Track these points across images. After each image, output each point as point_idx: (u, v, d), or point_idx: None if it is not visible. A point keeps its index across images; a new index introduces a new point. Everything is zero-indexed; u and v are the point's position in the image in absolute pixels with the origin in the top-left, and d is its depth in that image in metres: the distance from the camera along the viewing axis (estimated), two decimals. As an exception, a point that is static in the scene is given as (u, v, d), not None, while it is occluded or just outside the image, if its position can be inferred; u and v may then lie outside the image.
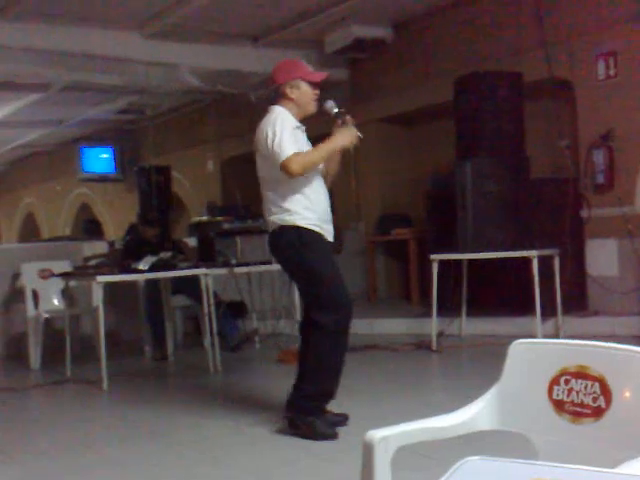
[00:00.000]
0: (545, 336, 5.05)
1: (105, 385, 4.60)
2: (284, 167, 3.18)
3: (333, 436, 3.25)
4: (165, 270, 5.11)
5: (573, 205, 5.85)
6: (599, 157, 5.71)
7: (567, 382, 1.57)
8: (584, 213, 5.87)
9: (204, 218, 6.35)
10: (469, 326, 5.81)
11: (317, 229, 3.31)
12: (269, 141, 3.22)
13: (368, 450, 1.53)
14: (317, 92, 3.40)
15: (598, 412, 1.50)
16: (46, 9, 6.36)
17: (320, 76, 3.41)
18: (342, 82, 8.34)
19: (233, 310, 6.09)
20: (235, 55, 7.66)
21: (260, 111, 10.78)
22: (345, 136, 3.30)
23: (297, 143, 3.26)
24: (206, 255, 5.63)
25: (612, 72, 5.72)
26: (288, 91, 3.35)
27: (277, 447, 3.25)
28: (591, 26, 5.82)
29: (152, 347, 5.90)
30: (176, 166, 10.21)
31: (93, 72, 7.67)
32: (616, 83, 5.70)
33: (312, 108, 3.40)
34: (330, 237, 3.39)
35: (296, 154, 3.18)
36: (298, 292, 3.46)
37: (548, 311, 5.26)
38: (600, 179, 5.73)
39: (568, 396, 1.57)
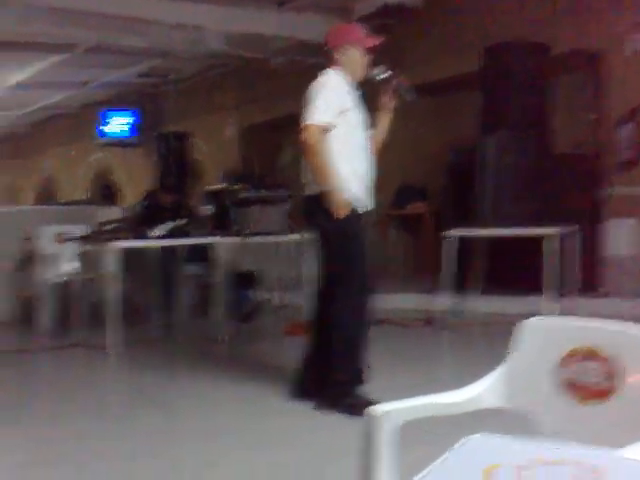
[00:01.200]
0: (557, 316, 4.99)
1: (114, 350, 4.62)
2: (303, 129, 3.14)
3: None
4: (180, 237, 5.10)
5: (595, 182, 5.72)
6: (626, 132, 5.55)
7: (576, 362, 1.55)
8: (608, 190, 5.72)
9: (221, 186, 6.32)
10: (481, 303, 5.75)
11: (354, 201, 3.24)
12: (311, 98, 3.18)
13: (372, 424, 1.51)
14: (369, 58, 3.35)
15: (606, 393, 1.48)
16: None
17: (373, 41, 3.35)
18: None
19: (243, 280, 6.08)
20: (259, 19, 7.53)
21: (282, 78, 10.69)
22: (339, 202, 3.15)
23: (339, 105, 3.18)
24: (221, 223, 5.61)
25: (641, 47, 5.55)
26: (337, 56, 3.32)
27: (280, 417, 3.24)
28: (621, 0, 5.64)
29: (163, 314, 5.92)
30: (196, 132, 10.17)
31: (117, 33, 7.62)
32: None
33: (361, 75, 3.36)
34: (367, 207, 3.34)
35: (320, 129, 3.13)
36: (320, 262, 3.40)
37: (562, 290, 5.18)
38: (626, 155, 5.57)
39: (577, 376, 1.54)
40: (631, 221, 5.57)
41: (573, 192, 5.65)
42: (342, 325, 3.27)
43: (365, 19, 7.21)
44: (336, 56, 3.32)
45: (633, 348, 1.46)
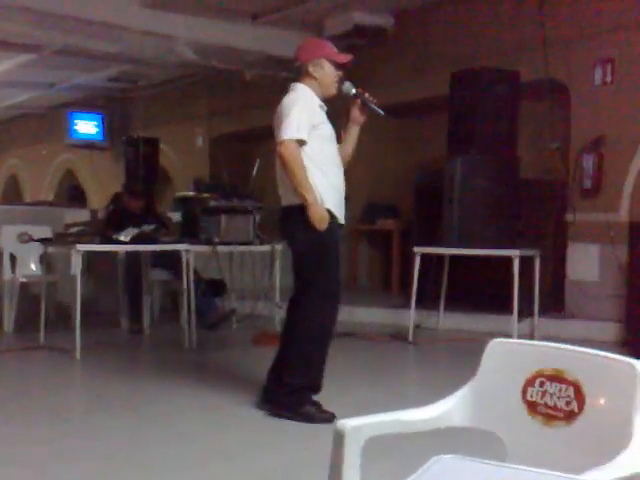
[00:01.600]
0: (520, 336, 5.10)
1: (78, 354, 4.57)
2: (279, 144, 3.17)
3: (332, 418, 3.14)
4: (146, 243, 5.07)
5: (559, 208, 5.88)
6: (589, 162, 5.73)
7: (542, 384, 1.58)
8: (569, 217, 5.90)
9: (190, 193, 6.30)
10: (447, 320, 5.84)
11: (333, 211, 3.27)
12: (284, 115, 3.20)
13: (339, 439, 1.53)
14: (340, 74, 3.37)
15: (570, 416, 1.51)
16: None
17: (345, 58, 3.38)
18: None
19: (212, 288, 6.06)
20: (233, 31, 7.57)
21: (254, 90, 10.72)
22: (315, 212, 3.18)
23: (311, 119, 3.21)
24: (189, 231, 5.59)
25: (608, 78, 5.73)
26: (311, 70, 3.33)
27: (245, 426, 3.24)
28: (591, 31, 5.82)
29: (128, 319, 5.87)
30: (165, 139, 10.12)
31: (88, 37, 7.56)
32: (612, 90, 5.72)
33: (334, 89, 3.38)
34: (342, 220, 3.36)
35: (296, 144, 3.16)
36: (293, 271, 3.41)
37: (526, 311, 5.30)
38: (588, 184, 5.76)
39: (542, 398, 1.57)
40: (593, 247, 5.73)
41: (538, 216, 5.80)
42: (306, 331, 3.29)
43: (336, 38, 7.30)
44: (309, 69, 3.33)
45: (598, 372, 1.49)
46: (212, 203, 5.62)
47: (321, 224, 3.18)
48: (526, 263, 5.18)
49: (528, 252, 5.21)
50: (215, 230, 5.46)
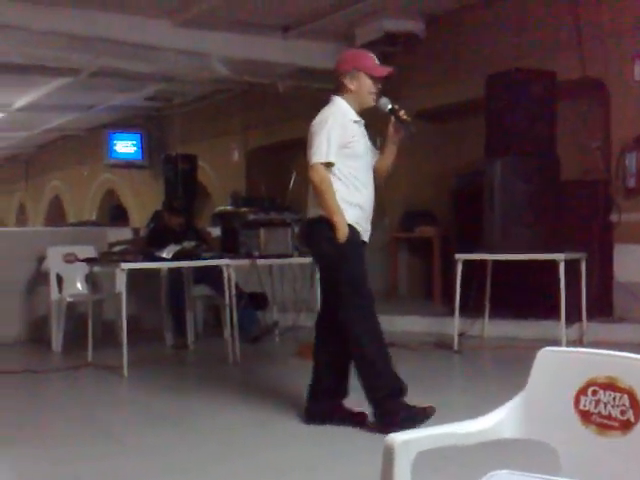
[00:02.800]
0: (569, 341, 4.99)
1: (125, 371, 4.63)
2: (310, 168, 3.25)
3: (431, 411, 3.19)
4: (188, 259, 5.13)
5: (603, 209, 5.75)
6: (632, 160, 5.61)
7: (595, 393, 1.54)
8: (614, 217, 5.77)
9: (228, 208, 6.35)
10: (492, 328, 5.74)
11: (357, 227, 3.31)
12: (315, 135, 3.26)
13: (389, 453, 1.51)
14: (378, 86, 3.38)
15: (626, 426, 1.47)
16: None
17: (383, 71, 3.38)
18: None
19: (254, 302, 6.10)
20: (264, 45, 7.63)
21: (287, 102, 10.77)
22: (342, 232, 3.22)
23: (341, 138, 3.24)
24: (229, 246, 5.64)
25: (648, 73, 5.60)
26: (347, 82, 3.34)
27: (295, 443, 3.24)
28: (628, 26, 5.70)
29: (173, 335, 5.93)
30: (201, 155, 10.24)
31: (122, 59, 7.71)
32: (651, 85, 5.59)
33: (369, 102, 3.38)
34: (366, 237, 3.40)
35: (326, 167, 3.22)
36: (320, 285, 3.45)
37: (573, 316, 5.18)
38: (632, 183, 5.63)
39: (595, 407, 1.53)
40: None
41: (581, 218, 5.68)
42: (361, 346, 3.30)
43: (367, 46, 7.30)
44: (345, 81, 3.34)
45: (654, 379, 1.46)
46: (250, 217, 5.66)
47: (341, 236, 3.22)
48: (572, 266, 5.06)
49: (573, 255, 5.09)
50: (254, 244, 5.49)
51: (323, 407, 3.42)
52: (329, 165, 3.24)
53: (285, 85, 8.45)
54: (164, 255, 4.95)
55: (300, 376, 4.70)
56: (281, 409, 3.72)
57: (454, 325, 5.28)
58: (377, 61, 3.40)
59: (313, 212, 3.34)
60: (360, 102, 3.37)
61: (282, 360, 5.37)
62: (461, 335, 5.38)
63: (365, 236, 3.39)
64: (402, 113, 3.38)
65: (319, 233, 3.29)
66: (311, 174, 3.24)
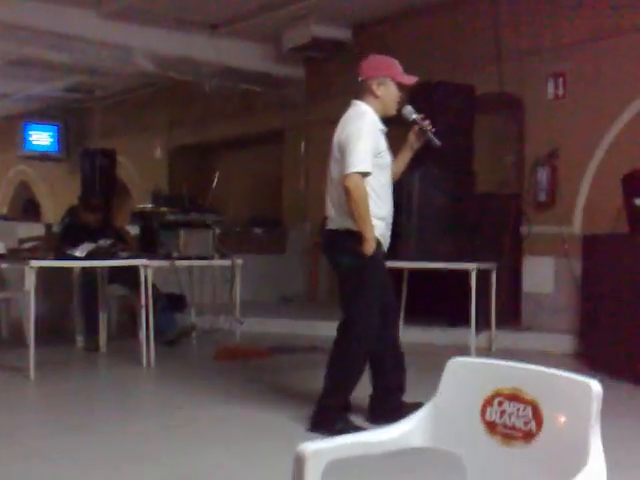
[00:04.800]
0: (478, 348, 5.15)
1: (32, 373, 4.45)
2: (345, 178, 3.17)
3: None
4: (103, 258, 4.98)
5: (514, 221, 5.98)
6: (543, 175, 5.85)
7: (500, 404, 1.58)
8: (524, 230, 6.01)
9: (148, 207, 6.22)
10: (406, 334, 5.83)
11: (380, 239, 3.32)
12: (350, 144, 3.19)
13: (299, 462, 1.52)
14: (402, 95, 3.38)
15: (529, 436, 1.51)
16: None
17: (410, 80, 3.38)
18: (298, 80, 8.31)
19: (172, 303, 5.98)
20: (191, 42, 7.54)
21: (213, 100, 10.61)
22: (370, 246, 3.23)
23: (374, 149, 3.24)
24: (148, 246, 5.52)
25: (560, 92, 5.87)
26: (375, 88, 3.32)
27: (204, 447, 3.20)
28: (543, 45, 5.96)
29: (84, 336, 5.74)
30: (123, 151, 9.99)
31: (43, 48, 7.44)
32: (564, 103, 5.86)
33: (393, 109, 3.39)
34: (386, 247, 3.41)
35: (362, 177, 3.18)
36: (340, 295, 3.47)
37: (483, 324, 5.36)
38: (542, 197, 5.87)
39: (500, 418, 1.57)
40: (548, 259, 5.84)
41: (494, 229, 5.88)
42: (350, 354, 3.36)
43: (295, 50, 7.33)
44: (372, 87, 3.32)
45: (554, 391, 1.49)
46: (170, 217, 5.56)
47: (370, 248, 3.22)
48: (483, 276, 5.24)
49: (485, 265, 5.27)
50: (174, 244, 5.40)
51: (389, 405, 3.43)
52: (365, 175, 3.20)
53: (211, 84, 8.36)
54: (77, 253, 4.78)
55: (216, 378, 4.67)
56: (194, 413, 3.67)
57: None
58: (401, 69, 3.40)
59: (338, 223, 3.31)
60: (385, 109, 3.36)
61: (199, 363, 5.30)
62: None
63: (386, 246, 3.42)
64: (427, 123, 3.43)
65: (343, 244, 3.29)
66: (347, 184, 3.16)
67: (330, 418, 3.31)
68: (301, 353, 5.47)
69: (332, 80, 7.95)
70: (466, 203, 5.47)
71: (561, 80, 5.86)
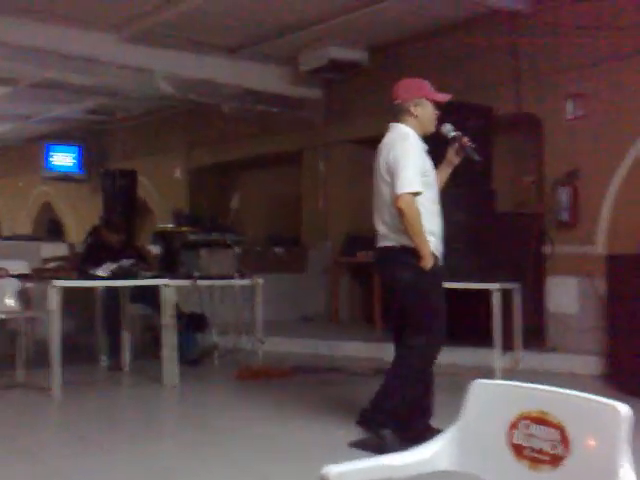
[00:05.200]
0: (503, 370, 5.11)
1: (57, 392, 4.49)
2: (398, 197, 3.27)
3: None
4: (125, 278, 5.03)
5: (536, 241, 5.95)
6: (564, 195, 5.82)
7: (527, 427, 1.57)
8: (547, 249, 5.97)
9: (169, 227, 6.28)
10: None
11: (435, 252, 3.40)
12: (399, 165, 3.30)
13: (325, 485, 1.52)
14: (437, 112, 3.49)
15: (556, 460, 1.50)
16: (21, 4, 6.26)
17: (444, 97, 3.50)
18: (316, 101, 8.38)
19: (194, 323, 6.01)
20: (210, 65, 7.63)
21: (232, 122, 10.69)
22: (428, 261, 3.33)
23: (421, 168, 3.34)
24: (169, 265, 5.56)
25: (580, 112, 5.86)
26: (412, 109, 3.45)
27: (226, 467, 3.20)
28: (563, 66, 5.96)
29: (108, 356, 5.78)
30: (143, 171, 10.11)
31: (65, 71, 7.57)
32: (583, 124, 5.84)
33: (433, 127, 3.50)
34: (441, 260, 3.48)
35: (413, 197, 3.28)
36: (399, 311, 3.54)
37: (507, 344, 5.31)
38: (564, 217, 5.83)
39: (527, 441, 1.56)
40: (572, 279, 5.78)
41: (516, 249, 5.85)
42: (404, 375, 3.41)
43: (313, 72, 7.40)
44: (410, 108, 3.45)
45: (582, 415, 1.48)
46: (191, 237, 5.61)
47: (428, 264, 3.31)
48: (506, 296, 5.21)
49: (507, 285, 5.24)
50: (195, 264, 5.44)
51: (416, 428, 3.41)
52: (417, 194, 3.31)
53: (230, 106, 8.45)
54: (100, 273, 4.84)
55: (239, 398, 4.67)
56: (217, 432, 3.67)
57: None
58: (433, 88, 3.52)
59: (394, 240, 3.39)
60: (424, 128, 3.48)
61: (221, 383, 5.31)
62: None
63: (441, 260, 3.49)
64: (465, 140, 3.51)
65: (401, 260, 3.37)
66: (400, 204, 3.27)
67: (380, 421, 3.33)
68: (323, 373, 5.46)
69: (350, 101, 8.00)
70: (487, 222, 5.45)
71: (581, 100, 5.85)
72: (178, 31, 6.88)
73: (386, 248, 3.44)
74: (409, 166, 3.29)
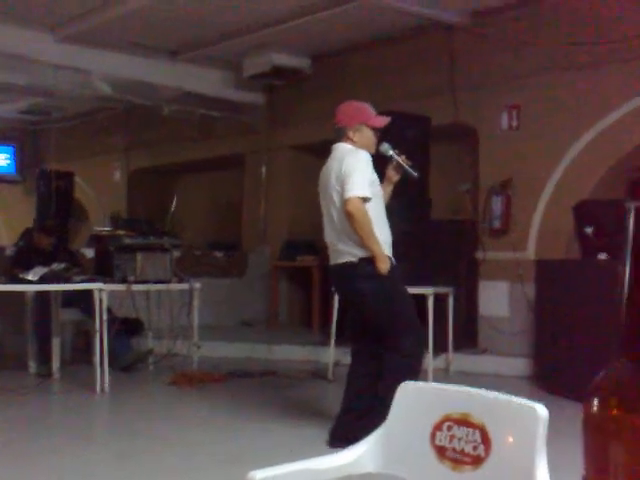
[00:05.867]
0: (436, 371, 5.21)
1: (-19, 400, 4.32)
2: (346, 202, 3.34)
3: None
4: (56, 282, 4.90)
5: (470, 247, 6.10)
6: (497, 203, 5.99)
7: (449, 428, 1.59)
8: (479, 255, 6.13)
9: (104, 230, 6.15)
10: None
11: (391, 257, 3.48)
12: (350, 172, 3.37)
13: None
14: (377, 135, 3.60)
15: (477, 461, 1.52)
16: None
17: (382, 122, 3.59)
18: (258, 106, 8.36)
19: (128, 327, 5.89)
20: (151, 67, 7.53)
21: (172, 125, 10.55)
22: (383, 262, 3.39)
23: (372, 179, 3.44)
24: (103, 269, 5.44)
25: (514, 123, 6.03)
26: (351, 134, 3.56)
27: (156, 476, 3.14)
28: (498, 77, 6.13)
29: (37, 362, 5.61)
30: (81, 173, 9.87)
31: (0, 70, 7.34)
32: (517, 134, 6.02)
33: (372, 150, 3.59)
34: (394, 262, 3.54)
35: (361, 200, 3.34)
36: (366, 322, 3.57)
37: (441, 347, 5.42)
38: (497, 224, 6.00)
39: (450, 442, 1.58)
40: (503, 284, 5.96)
41: (450, 255, 5.99)
42: (398, 369, 3.37)
43: (255, 77, 7.40)
44: (349, 134, 3.54)
45: (502, 416, 1.51)
46: (127, 240, 5.51)
47: (385, 270, 3.37)
48: (440, 300, 5.31)
49: (441, 290, 5.35)
50: (130, 268, 5.34)
51: (350, 429, 3.37)
52: (365, 200, 3.37)
53: (170, 108, 8.36)
54: (30, 277, 4.70)
55: (172, 404, 4.60)
56: (147, 441, 3.61)
57: (330, 354, 5.38)
58: (374, 110, 3.62)
59: (349, 256, 3.44)
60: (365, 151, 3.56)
61: (154, 389, 5.22)
62: (336, 364, 5.47)
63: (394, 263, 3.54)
64: (403, 158, 3.64)
65: (360, 272, 3.42)
66: (348, 208, 3.33)
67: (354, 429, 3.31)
68: (258, 377, 5.44)
69: (292, 107, 8.03)
70: (422, 229, 5.55)
71: (515, 111, 6.02)
72: (118, 32, 6.76)
73: (344, 264, 3.50)
74: (358, 172, 3.39)
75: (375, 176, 3.53)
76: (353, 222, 3.36)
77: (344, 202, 3.36)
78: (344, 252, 3.48)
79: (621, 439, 1.16)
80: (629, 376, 1.20)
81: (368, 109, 3.63)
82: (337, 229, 3.50)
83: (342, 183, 3.41)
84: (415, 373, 3.45)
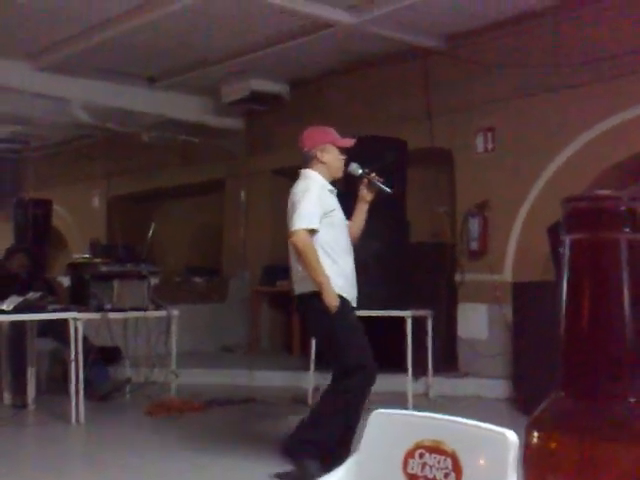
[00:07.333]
0: (415, 395, 5.18)
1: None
2: (293, 234, 3.32)
3: None
4: (31, 312, 4.83)
5: (448, 269, 6.12)
6: (474, 225, 6.03)
7: (422, 456, 1.58)
8: (458, 277, 6.14)
9: (80, 258, 6.10)
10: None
11: (345, 295, 3.42)
12: (297, 203, 3.37)
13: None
14: (344, 157, 3.60)
15: None
16: None
17: (348, 142, 3.60)
18: (238, 131, 8.39)
19: (106, 356, 5.81)
20: (129, 94, 7.54)
21: (152, 151, 10.56)
22: (331, 298, 3.35)
23: (323, 208, 3.40)
24: (79, 297, 5.38)
25: (490, 146, 6.10)
26: (319, 155, 3.56)
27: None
28: (473, 101, 6.20)
29: (12, 393, 5.50)
30: (60, 201, 9.81)
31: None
32: (493, 157, 6.08)
33: (340, 172, 3.62)
34: (354, 302, 3.51)
35: (308, 233, 3.32)
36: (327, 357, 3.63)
37: (420, 370, 5.40)
38: (474, 246, 6.03)
39: (422, 470, 1.57)
40: (481, 306, 5.97)
41: (429, 278, 6.00)
42: (330, 414, 3.40)
43: (234, 104, 7.44)
44: (317, 155, 3.55)
45: (473, 443, 1.50)
46: (103, 268, 5.45)
47: (332, 307, 3.32)
48: (419, 323, 5.30)
49: (420, 312, 5.34)
50: (107, 296, 5.28)
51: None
52: (312, 232, 3.34)
53: (150, 135, 8.36)
54: (4, 307, 4.64)
55: (147, 436, 4.53)
56: (122, 474, 3.54)
57: (309, 379, 5.34)
58: (337, 135, 3.64)
59: (302, 287, 3.43)
60: (332, 172, 3.59)
61: (131, 419, 5.13)
62: (316, 389, 5.42)
63: (353, 302, 3.51)
64: (373, 175, 3.63)
65: (308, 308, 3.42)
66: (294, 240, 3.32)
67: (305, 451, 3.34)
68: (237, 405, 5.38)
69: (271, 132, 8.06)
70: (400, 252, 5.56)
71: (491, 134, 6.09)
72: (96, 60, 6.76)
73: (300, 295, 3.50)
74: (304, 203, 3.37)
75: (333, 203, 3.52)
76: (298, 254, 3.35)
77: (289, 234, 3.36)
78: (300, 283, 3.48)
79: (560, 473, 1.16)
80: (569, 411, 1.21)
81: (333, 132, 3.66)
82: (294, 259, 3.49)
83: (290, 213, 3.43)
84: (352, 408, 3.41)
